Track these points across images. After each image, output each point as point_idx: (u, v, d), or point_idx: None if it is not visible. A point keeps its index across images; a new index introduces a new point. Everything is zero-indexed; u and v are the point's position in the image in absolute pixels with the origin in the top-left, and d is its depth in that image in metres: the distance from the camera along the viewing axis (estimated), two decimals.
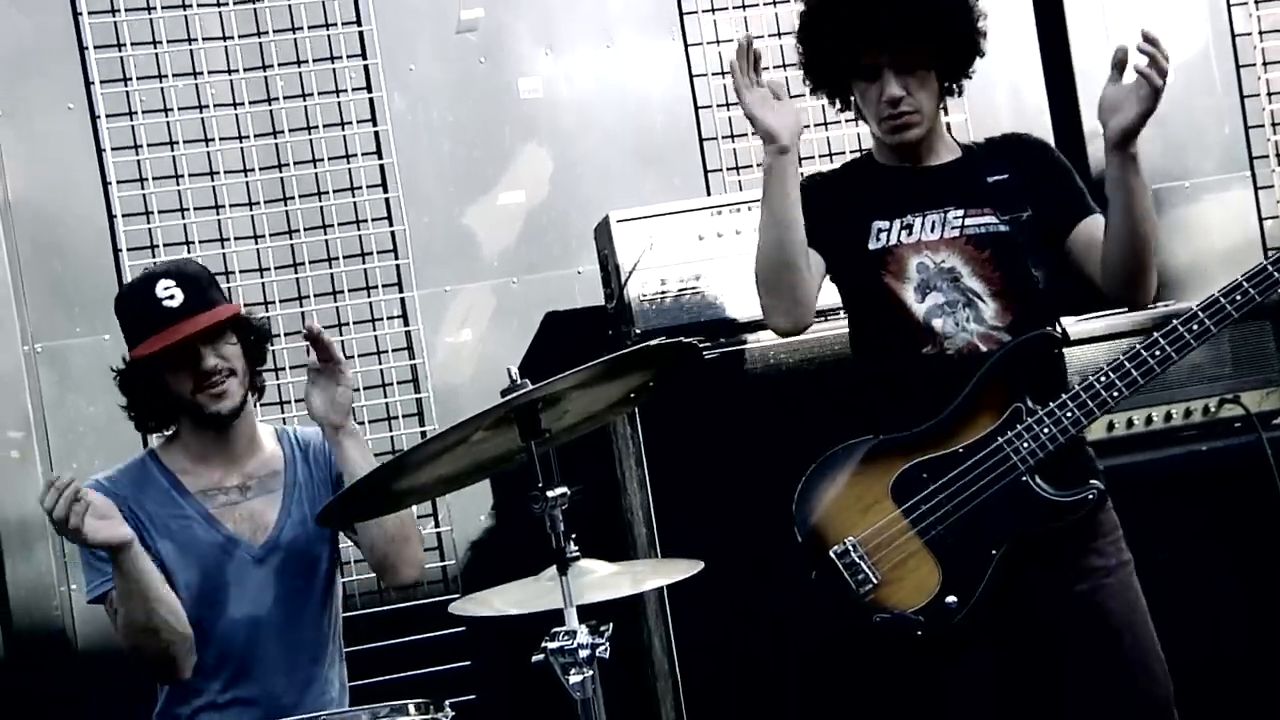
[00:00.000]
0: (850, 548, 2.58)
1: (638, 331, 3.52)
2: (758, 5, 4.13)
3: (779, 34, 4.14)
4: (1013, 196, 2.65)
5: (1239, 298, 2.52)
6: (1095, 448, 2.78)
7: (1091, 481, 2.56)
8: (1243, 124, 4.29)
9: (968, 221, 2.64)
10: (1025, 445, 2.53)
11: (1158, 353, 2.51)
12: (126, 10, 3.83)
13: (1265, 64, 4.27)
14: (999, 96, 4.21)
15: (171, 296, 2.66)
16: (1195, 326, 2.53)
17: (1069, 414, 2.53)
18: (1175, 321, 2.53)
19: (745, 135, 4.11)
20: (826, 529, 2.62)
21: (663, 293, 3.54)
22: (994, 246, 2.62)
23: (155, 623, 2.57)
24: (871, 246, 2.66)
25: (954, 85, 2.72)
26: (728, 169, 4.10)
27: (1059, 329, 2.70)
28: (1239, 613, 3.44)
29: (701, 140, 4.11)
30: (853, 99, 2.75)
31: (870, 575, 2.56)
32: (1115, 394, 2.51)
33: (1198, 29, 4.29)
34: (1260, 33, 4.27)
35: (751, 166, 4.10)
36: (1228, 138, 4.29)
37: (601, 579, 2.44)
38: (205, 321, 2.65)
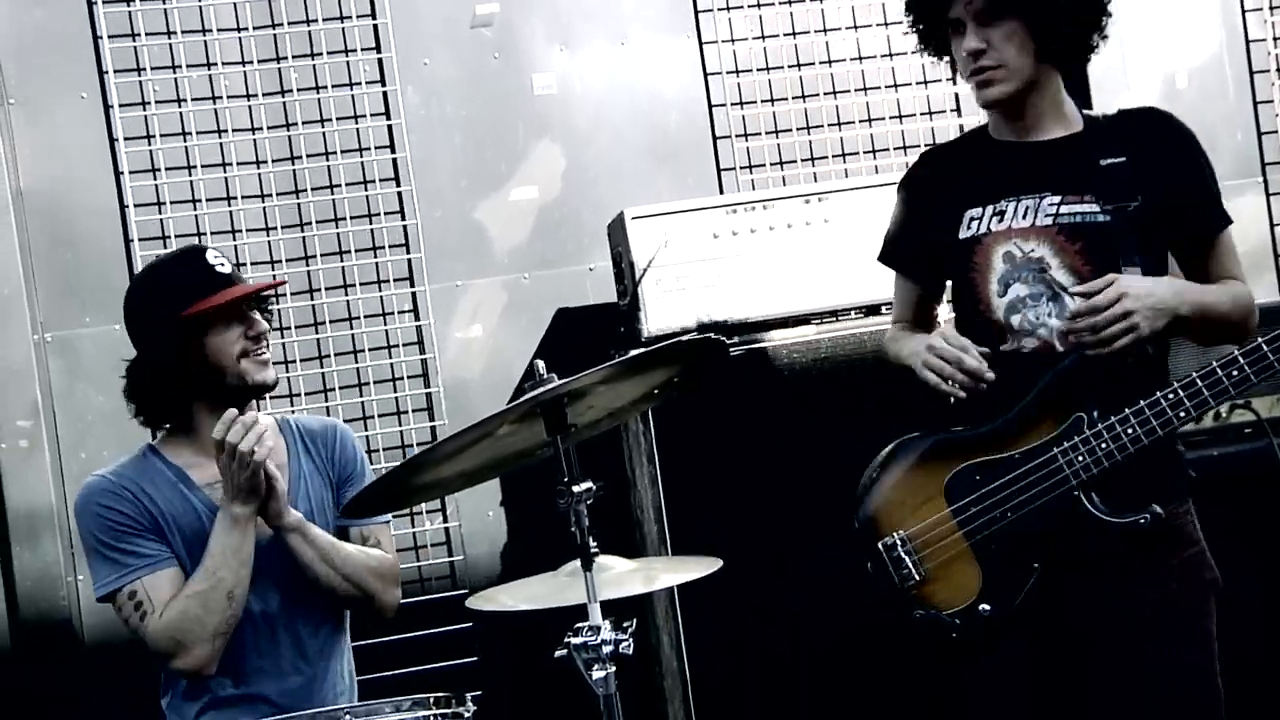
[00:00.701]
0: (899, 541, 2.54)
1: (651, 329, 3.51)
2: (773, 4, 4.13)
3: (794, 33, 4.14)
4: (1124, 183, 2.41)
5: None
6: None
7: (1152, 505, 2.36)
8: (1256, 130, 4.29)
9: (1064, 209, 2.44)
10: (1081, 458, 2.38)
11: (1235, 373, 2.31)
12: (141, 0, 3.82)
13: (1279, 70, 4.27)
14: None
15: (222, 264, 2.69)
16: (1274, 352, 2.31)
17: (1129, 430, 2.35)
18: (1260, 340, 2.32)
19: (759, 134, 4.12)
20: (880, 520, 2.58)
21: (677, 290, 3.53)
22: (1089, 238, 2.42)
23: (240, 590, 2.57)
24: (962, 236, 2.51)
25: (1056, 48, 2.45)
26: (741, 168, 4.10)
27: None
28: (1256, 616, 3.42)
29: (715, 138, 4.11)
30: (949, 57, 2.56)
31: (914, 571, 2.51)
32: (1182, 413, 2.33)
33: (1211, 34, 4.30)
34: (1275, 39, 4.28)
35: (765, 165, 4.10)
36: (1240, 144, 4.30)
37: (620, 575, 2.44)
38: (262, 285, 2.71)
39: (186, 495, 2.69)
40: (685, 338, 2.05)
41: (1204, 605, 2.46)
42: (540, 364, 2.12)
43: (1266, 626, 3.48)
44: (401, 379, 3.93)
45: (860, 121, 4.15)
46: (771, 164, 4.11)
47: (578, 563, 2.46)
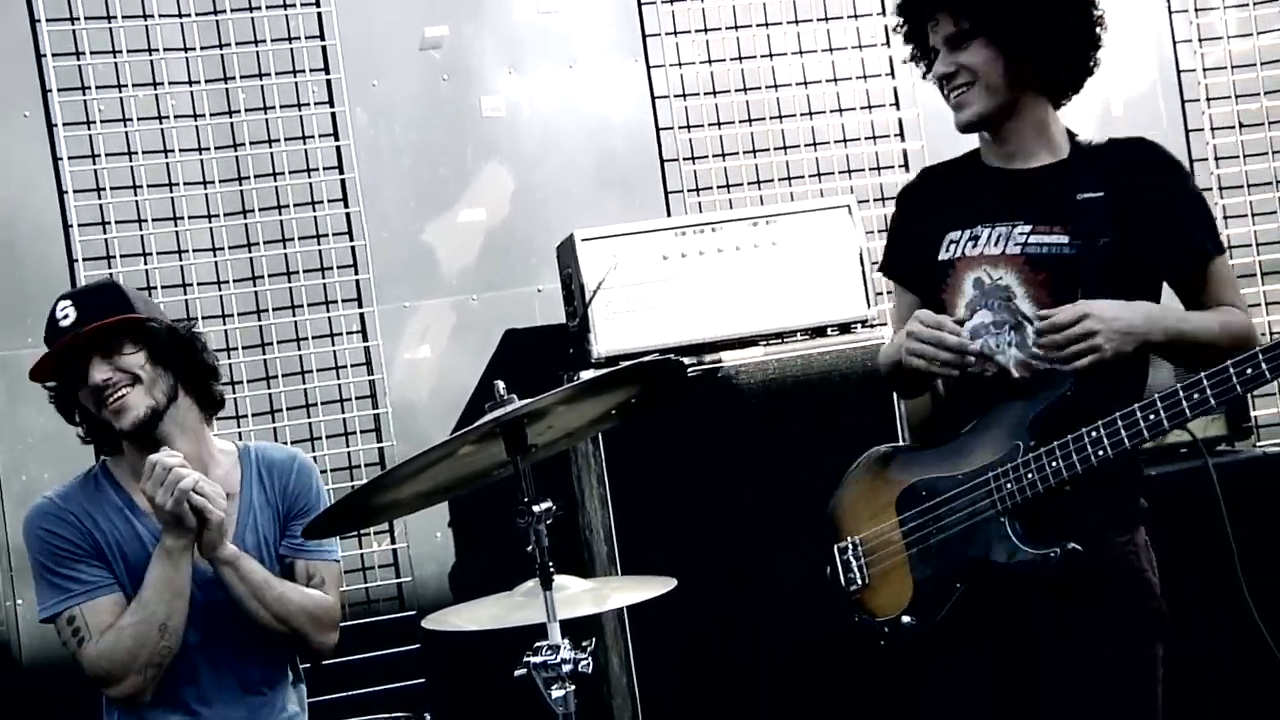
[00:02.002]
0: (851, 546, 2.60)
1: (601, 350, 3.54)
2: (719, 29, 4.18)
3: (740, 58, 4.20)
4: (1097, 218, 2.40)
5: (1249, 370, 2.22)
6: None
7: (1067, 542, 2.35)
8: (1187, 157, 4.39)
9: (1033, 239, 2.44)
10: (1009, 485, 2.39)
11: (1151, 416, 2.28)
12: (86, 18, 3.80)
13: (1209, 99, 4.38)
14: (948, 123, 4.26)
15: (66, 316, 2.60)
16: (1197, 395, 2.26)
17: (1054, 463, 2.35)
18: (1179, 386, 2.28)
19: (705, 158, 4.16)
20: (840, 523, 2.64)
21: (626, 311, 3.56)
22: (1054, 269, 2.41)
23: (174, 622, 2.55)
24: (940, 257, 2.53)
25: (1040, 76, 2.45)
26: (688, 190, 4.14)
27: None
28: (1192, 643, 3.48)
29: (663, 161, 4.15)
30: None
31: (859, 576, 2.57)
32: (1100, 453, 2.31)
33: (1145, 67, 4.41)
34: (1204, 69, 4.39)
35: (711, 188, 4.15)
36: None
37: (574, 595, 2.46)
38: (83, 335, 2.56)
39: (131, 521, 2.66)
40: (645, 359, 2.06)
41: (1145, 636, 2.44)
42: (500, 384, 2.13)
43: (1205, 650, 3.55)
44: (350, 400, 3.92)
45: (805, 145, 4.20)
46: (718, 187, 4.16)
47: (533, 583, 2.48)
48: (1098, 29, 2.52)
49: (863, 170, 4.21)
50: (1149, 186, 2.43)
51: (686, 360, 3.52)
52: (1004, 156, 2.52)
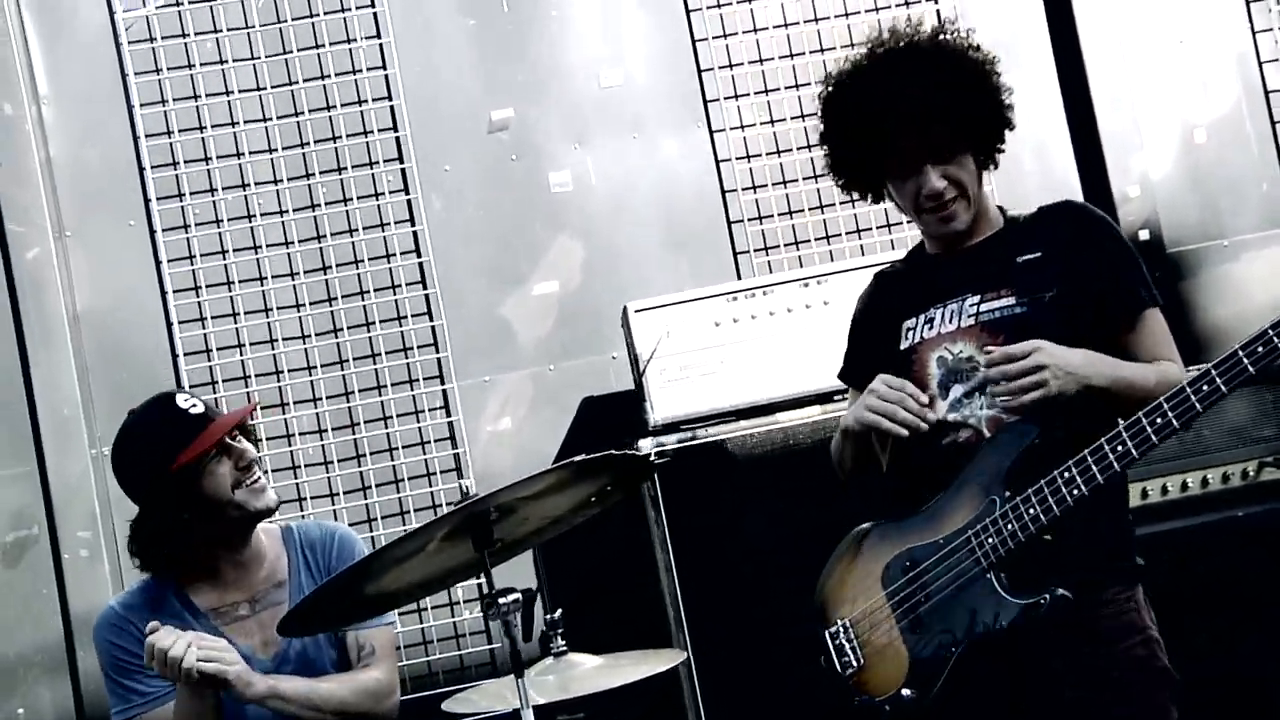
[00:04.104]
0: (841, 629, 2.60)
1: (657, 418, 3.62)
2: (779, 90, 4.23)
3: (802, 116, 4.23)
4: (1038, 276, 2.48)
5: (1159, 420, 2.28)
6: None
7: (1056, 590, 2.34)
8: None
9: (983, 306, 2.51)
10: (990, 540, 2.40)
11: (1119, 446, 2.31)
12: (180, 131, 4.09)
13: None
14: (1026, 163, 4.22)
15: (194, 405, 2.76)
16: (1160, 419, 2.28)
17: (1030, 510, 2.36)
18: (1140, 414, 2.30)
19: (772, 217, 4.21)
20: (828, 607, 2.65)
21: (681, 379, 3.63)
22: (1008, 330, 2.47)
23: None
24: (901, 347, 2.58)
25: (989, 160, 2.58)
26: (756, 250, 4.19)
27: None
28: None
29: (730, 223, 4.21)
30: (886, 192, 2.64)
31: (853, 658, 2.57)
32: (1075, 491, 2.32)
33: (1228, 87, 4.26)
34: None
35: (779, 247, 4.19)
36: (1267, 194, 4.24)
37: (586, 673, 2.54)
38: (238, 416, 2.76)
39: (192, 623, 2.77)
40: (606, 453, 2.14)
41: (1154, 697, 2.41)
42: (467, 483, 2.23)
43: None
44: (435, 474, 4.09)
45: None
46: (786, 245, 4.20)
47: (551, 660, 2.57)
48: (1004, 97, 2.56)
49: None
50: (1079, 245, 2.50)
51: (741, 422, 3.58)
52: (949, 242, 2.59)
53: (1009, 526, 2.38)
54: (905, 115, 2.46)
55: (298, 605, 2.21)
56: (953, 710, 2.47)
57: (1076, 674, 2.40)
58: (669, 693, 3.64)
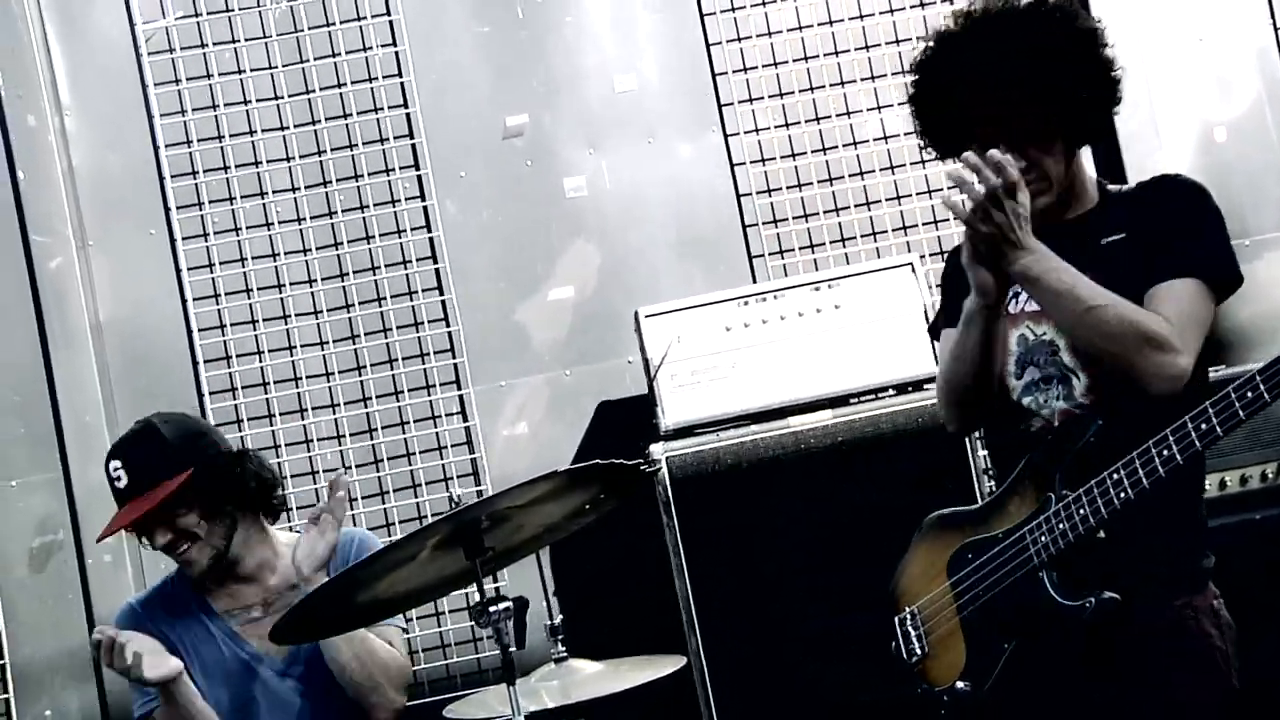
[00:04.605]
0: (910, 616, 2.59)
1: (668, 423, 3.62)
2: (793, 93, 4.22)
3: (817, 119, 4.23)
4: (1122, 260, 2.36)
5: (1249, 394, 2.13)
6: None
7: (1104, 593, 2.29)
8: None
9: None
10: (1043, 538, 2.35)
11: (1165, 451, 2.20)
12: (199, 140, 4.13)
13: None
14: None
15: (119, 478, 2.81)
16: (1205, 425, 2.17)
17: (1080, 510, 2.30)
18: (1186, 418, 2.20)
19: (786, 220, 4.20)
20: (900, 593, 2.64)
21: (691, 384, 3.63)
22: None
23: None
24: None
25: (1085, 138, 2.47)
26: (771, 254, 4.18)
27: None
28: None
29: (745, 227, 4.21)
30: None
31: (919, 646, 2.55)
32: (1122, 494, 2.24)
33: (1248, 85, 4.22)
34: None
35: (794, 250, 4.19)
36: None
37: (587, 678, 2.56)
38: (143, 507, 2.76)
39: (205, 622, 2.88)
40: (597, 463, 2.15)
41: (1211, 711, 2.36)
42: (456, 491, 2.25)
43: None
44: (452, 479, 4.11)
45: (888, 200, 4.20)
46: (801, 248, 4.19)
47: (550, 667, 2.60)
48: (1114, 72, 2.44)
49: (947, 219, 4.17)
50: (1165, 217, 2.37)
51: (754, 426, 3.58)
52: (1039, 214, 2.44)
53: (1060, 525, 2.32)
54: (983, 94, 2.35)
55: (288, 613, 2.24)
56: (1009, 707, 2.44)
57: (1130, 680, 2.34)
58: (682, 696, 3.64)
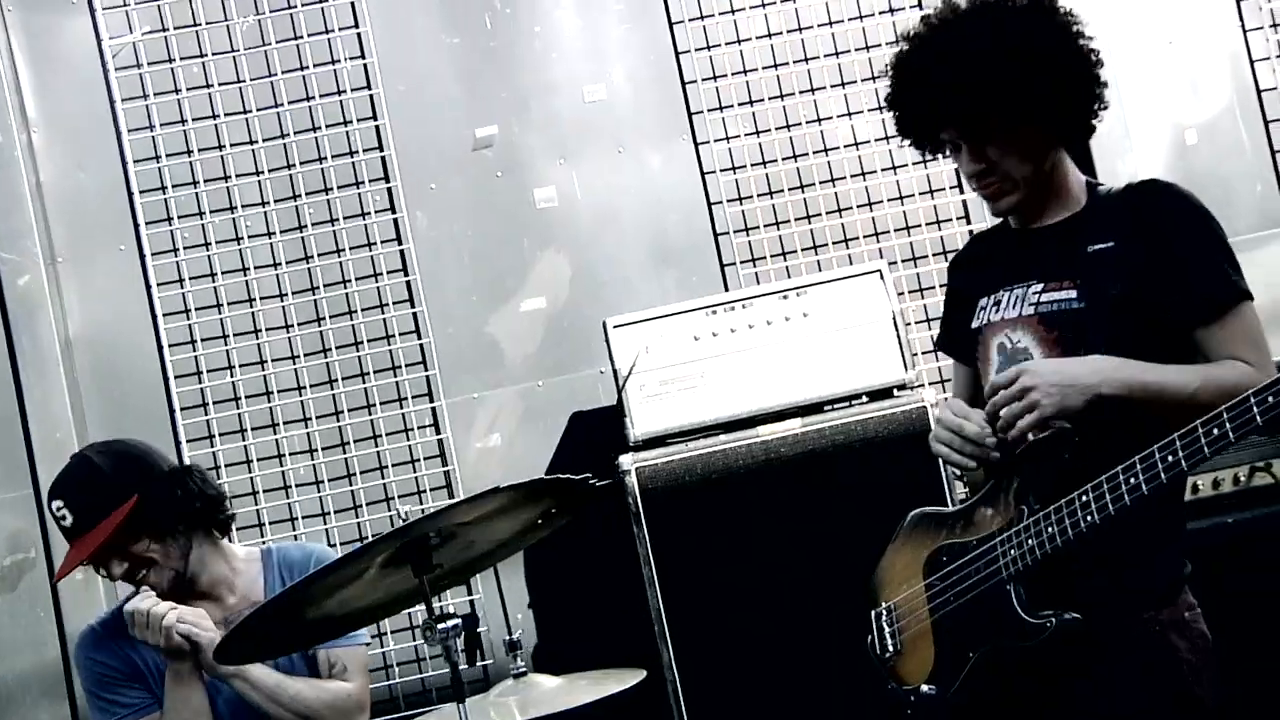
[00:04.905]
0: (885, 611, 2.58)
1: (637, 434, 3.61)
2: (763, 100, 4.21)
3: (788, 126, 4.21)
4: (1107, 269, 2.31)
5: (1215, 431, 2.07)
6: None
7: (1065, 614, 2.27)
8: (1277, 180, 4.17)
9: (1044, 297, 2.38)
10: (1013, 551, 2.32)
11: (1131, 480, 2.16)
12: (167, 155, 4.12)
13: None
14: None
15: (64, 517, 2.80)
16: (1170, 457, 2.11)
17: (1049, 528, 2.26)
18: (1155, 448, 2.14)
19: (758, 228, 4.19)
20: (878, 588, 2.63)
21: (660, 394, 3.62)
22: (1064, 326, 2.34)
23: None
24: (973, 325, 2.49)
25: (1059, 131, 2.38)
26: (742, 262, 4.17)
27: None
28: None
29: (716, 235, 4.20)
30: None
31: (892, 643, 2.54)
32: (1089, 518, 2.20)
33: (1219, 87, 4.21)
34: None
35: (765, 258, 4.17)
36: (1261, 195, 4.18)
37: (545, 694, 2.54)
38: (93, 543, 2.73)
39: None
40: (548, 479, 2.13)
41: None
42: (405, 509, 2.23)
43: None
44: (425, 491, 4.10)
45: (859, 206, 4.18)
46: (773, 255, 4.18)
47: (510, 682, 2.58)
48: (1096, 69, 2.41)
49: (919, 226, 4.16)
50: (1161, 232, 2.31)
51: (723, 435, 3.57)
52: (1027, 214, 2.46)
53: (1029, 541, 2.30)
54: (941, 94, 2.34)
55: (229, 633, 2.21)
56: (972, 715, 2.42)
57: (1095, 696, 2.31)
58: (645, 709, 3.62)
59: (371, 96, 4.16)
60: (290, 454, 4.07)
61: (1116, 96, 4.08)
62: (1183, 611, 2.36)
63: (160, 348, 4.08)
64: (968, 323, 2.53)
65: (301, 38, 4.16)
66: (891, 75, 2.46)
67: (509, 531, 2.32)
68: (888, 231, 4.18)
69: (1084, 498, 2.21)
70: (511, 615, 4.09)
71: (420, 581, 2.13)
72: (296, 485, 4.06)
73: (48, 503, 2.83)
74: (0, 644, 3.95)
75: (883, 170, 4.19)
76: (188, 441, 4.05)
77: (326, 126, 4.15)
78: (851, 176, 4.19)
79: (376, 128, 4.16)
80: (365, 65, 4.17)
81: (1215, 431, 2.07)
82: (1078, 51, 2.38)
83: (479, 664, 4.03)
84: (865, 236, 4.17)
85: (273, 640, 2.32)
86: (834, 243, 4.17)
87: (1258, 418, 2.01)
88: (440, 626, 2.13)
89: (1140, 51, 4.19)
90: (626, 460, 3.57)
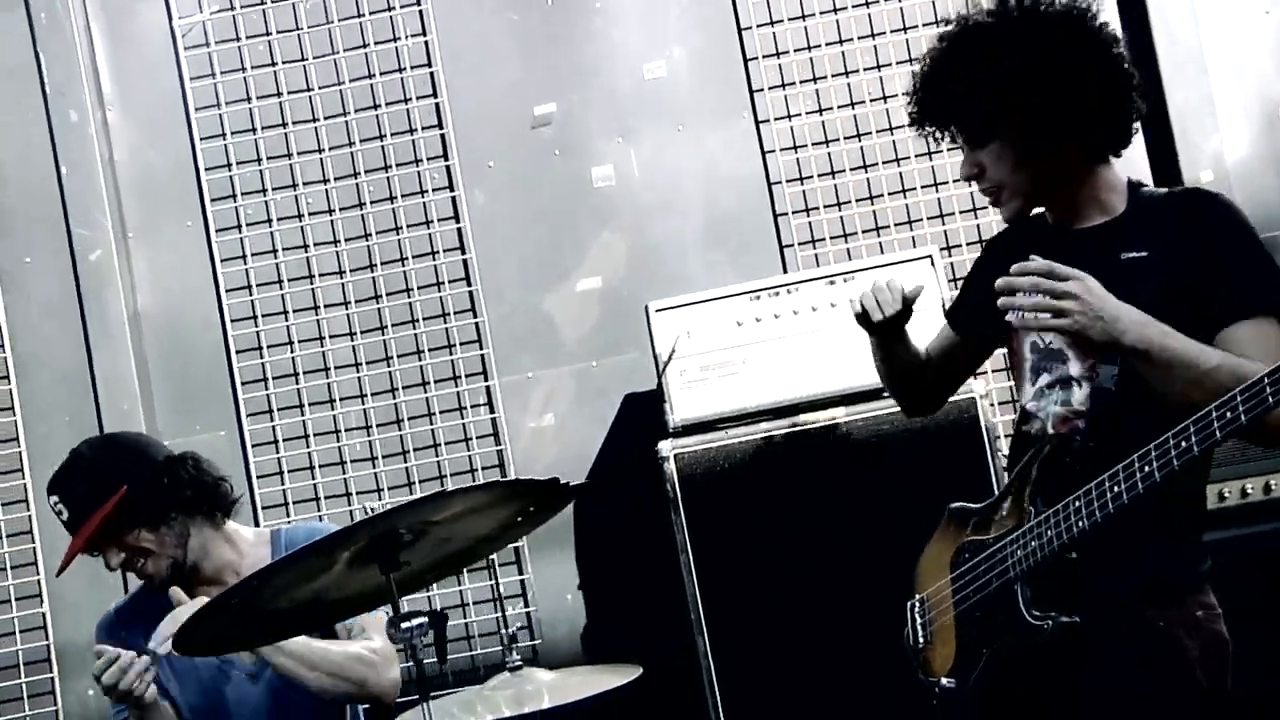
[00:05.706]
0: (919, 602, 2.61)
1: (677, 419, 3.56)
2: (826, 78, 4.09)
3: (852, 104, 4.09)
4: (1140, 278, 2.28)
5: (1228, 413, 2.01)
6: None
7: (1062, 616, 2.28)
8: None
9: None
10: (1020, 551, 2.33)
11: (1126, 484, 2.14)
12: (233, 133, 4.18)
13: None
14: None
15: (61, 512, 2.85)
16: (1183, 443, 2.06)
17: (1049, 529, 2.27)
18: (1150, 447, 2.11)
19: (819, 209, 4.09)
20: (916, 580, 2.66)
21: (700, 380, 3.56)
22: None
23: None
24: (1007, 316, 2.38)
25: (1086, 146, 2.35)
26: (801, 243, 4.07)
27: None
28: None
29: (775, 216, 4.10)
30: None
31: (923, 634, 2.57)
32: (1093, 518, 2.18)
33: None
34: None
35: (825, 240, 4.07)
36: None
37: (539, 688, 2.53)
38: (85, 535, 2.79)
39: None
40: (522, 479, 2.11)
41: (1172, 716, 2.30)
42: (371, 506, 2.23)
43: None
44: (478, 470, 4.11)
45: (923, 187, 4.05)
46: (834, 237, 4.07)
47: (506, 675, 2.57)
48: (1129, 80, 2.38)
49: (985, 208, 4.00)
50: (1207, 236, 2.29)
51: (763, 423, 3.50)
52: (1059, 216, 2.45)
53: (1034, 542, 2.31)
54: (941, 93, 2.40)
55: (185, 622, 2.22)
56: (991, 708, 2.44)
57: (1106, 694, 2.30)
58: (692, 692, 3.59)
59: (431, 74, 4.16)
60: (346, 430, 4.12)
61: (1201, 69, 3.93)
62: (1194, 612, 2.32)
63: (223, 322, 4.16)
64: (986, 306, 2.41)
65: (364, 15, 4.17)
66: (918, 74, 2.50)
67: (487, 529, 2.30)
68: (953, 213, 4.04)
69: (1077, 502, 2.23)
70: (561, 596, 4.10)
71: (386, 579, 2.12)
72: (352, 461, 4.11)
73: (47, 497, 2.90)
74: (75, 607, 4.10)
75: (949, 149, 4.02)
76: (248, 416, 4.12)
77: (387, 104, 4.16)
78: (916, 156, 4.05)
79: (436, 105, 4.16)
80: (426, 42, 4.17)
81: (1228, 415, 2.00)
82: (1109, 66, 2.35)
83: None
84: (930, 218, 4.04)
85: (229, 635, 2.30)
86: (896, 225, 4.05)
87: (1270, 398, 1.93)
88: (404, 625, 2.12)
89: (1228, 17, 3.95)
90: (665, 446, 3.53)
